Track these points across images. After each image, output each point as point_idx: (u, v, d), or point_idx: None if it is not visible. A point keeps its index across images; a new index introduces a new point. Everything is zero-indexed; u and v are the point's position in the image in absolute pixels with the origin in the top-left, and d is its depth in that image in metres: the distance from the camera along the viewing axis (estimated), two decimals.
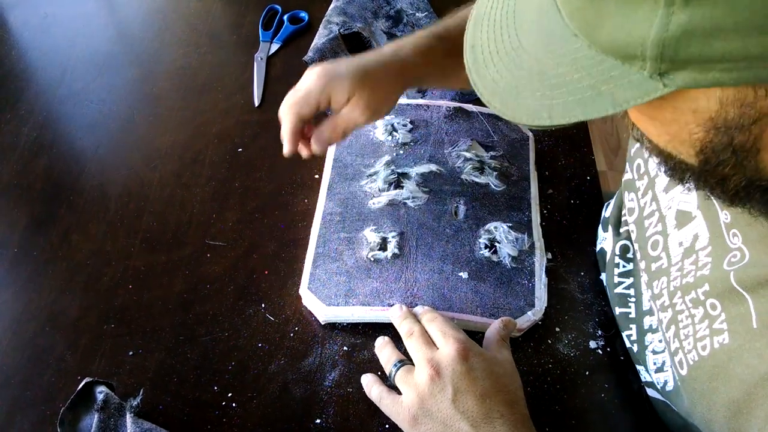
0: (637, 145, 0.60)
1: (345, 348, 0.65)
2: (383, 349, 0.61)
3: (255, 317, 0.67)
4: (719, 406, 0.47)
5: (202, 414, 0.61)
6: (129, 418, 0.57)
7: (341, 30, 0.90)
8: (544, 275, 0.68)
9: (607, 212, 0.72)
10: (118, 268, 0.71)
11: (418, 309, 0.63)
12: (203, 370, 0.64)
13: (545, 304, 0.66)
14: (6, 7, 1.00)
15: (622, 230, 0.67)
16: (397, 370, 0.58)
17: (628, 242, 0.66)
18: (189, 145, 0.82)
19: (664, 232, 0.56)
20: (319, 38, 0.90)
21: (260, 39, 0.94)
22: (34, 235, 0.74)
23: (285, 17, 0.96)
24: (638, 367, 0.63)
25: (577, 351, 0.65)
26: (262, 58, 0.92)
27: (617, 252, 0.67)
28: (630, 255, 0.66)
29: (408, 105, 0.82)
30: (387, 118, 0.79)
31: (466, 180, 0.74)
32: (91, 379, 0.59)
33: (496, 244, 0.69)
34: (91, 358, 0.64)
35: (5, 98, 0.88)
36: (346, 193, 0.74)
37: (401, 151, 0.77)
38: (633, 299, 0.64)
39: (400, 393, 0.57)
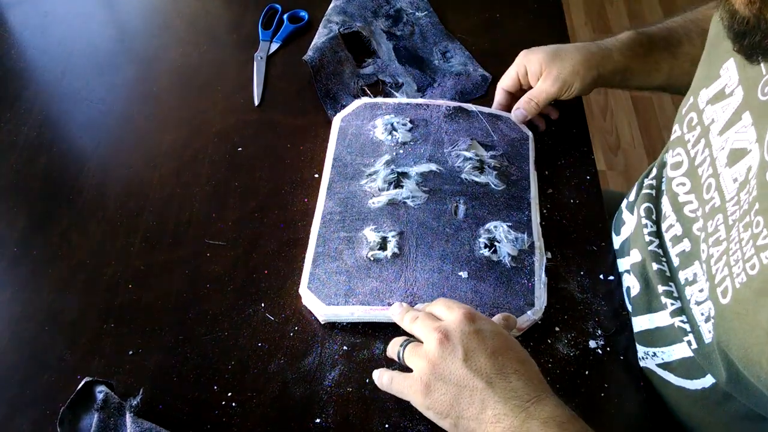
0: (690, 101, 0.63)
1: (345, 347, 0.65)
2: (390, 343, 0.61)
3: (255, 317, 0.67)
4: (764, 323, 0.47)
5: (201, 413, 0.61)
6: (129, 418, 0.57)
7: (341, 29, 0.90)
8: (543, 275, 0.68)
9: (631, 196, 0.74)
10: (117, 267, 0.71)
11: (419, 306, 0.63)
12: (203, 370, 0.64)
13: (545, 304, 0.66)
14: (6, 6, 1.00)
15: (644, 192, 0.70)
16: (405, 348, 0.57)
17: (650, 204, 0.68)
18: (189, 144, 0.82)
19: (715, 174, 0.57)
20: (319, 37, 0.90)
21: (260, 38, 0.94)
22: (34, 234, 0.74)
23: (285, 16, 0.96)
24: (660, 348, 0.63)
25: (576, 350, 0.65)
26: (261, 58, 0.92)
27: (642, 214, 0.68)
28: (654, 216, 0.67)
29: (408, 104, 0.81)
30: (386, 117, 0.79)
31: (466, 179, 0.74)
32: (90, 379, 0.59)
33: (496, 243, 0.69)
34: (90, 357, 0.64)
35: (4, 97, 0.88)
36: (346, 192, 0.73)
37: (401, 151, 0.76)
38: (664, 258, 0.64)
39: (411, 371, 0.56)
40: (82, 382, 0.59)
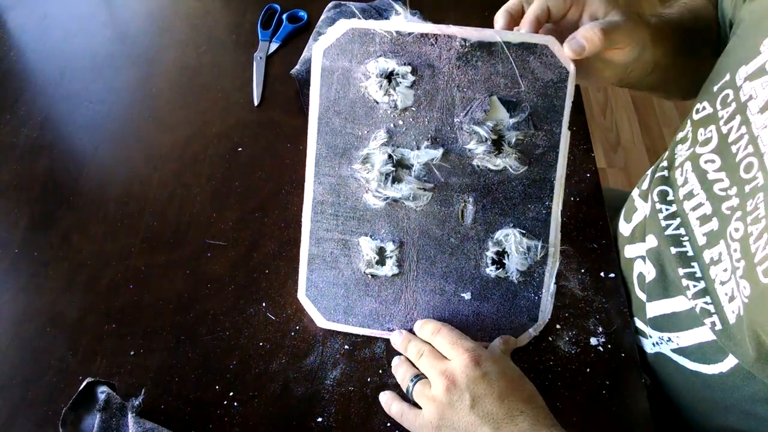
0: (726, 78, 0.60)
1: (346, 347, 0.65)
2: (399, 368, 0.62)
3: (256, 316, 0.67)
4: None
5: (203, 413, 0.61)
6: (131, 418, 0.57)
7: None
8: (552, 284, 0.64)
9: (644, 185, 0.73)
10: (118, 268, 0.71)
11: (418, 324, 0.63)
12: (204, 370, 0.64)
13: (549, 316, 0.64)
14: (4, 8, 1.00)
15: (657, 175, 0.68)
16: (414, 385, 0.59)
17: (666, 187, 0.67)
18: (189, 145, 0.82)
19: (758, 153, 0.55)
20: (308, 50, 0.90)
21: (259, 38, 0.94)
22: (34, 235, 0.74)
23: (284, 16, 0.96)
24: (676, 333, 0.63)
25: (578, 348, 0.65)
26: (261, 58, 0.92)
27: (656, 199, 0.67)
28: (670, 198, 0.66)
29: (410, 37, 0.60)
30: (381, 61, 0.60)
31: (479, 167, 0.62)
32: (92, 379, 0.59)
33: (506, 255, 0.63)
34: (92, 358, 0.64)
35: (4, 99, 0.88)
36: (336, 176, 0.63)
37: (400, 122, 0.62)
38: (686, 238, 0.63)
39: (419, 407, 0.58)
40: (84, 383, 0.59)
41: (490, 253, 0.63)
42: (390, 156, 0.62)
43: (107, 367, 0.64)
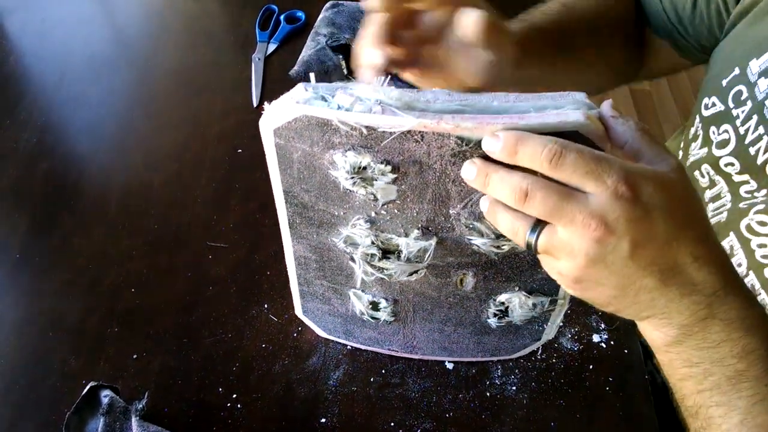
0: (735, 72, 0.55)
1: (348, 347, 0.65)
2: (498, 215, 0.42)
3: (258, 318, 0.67)
4: None
5: (207, 415, 0.61)
6: (134, 422, 0.57)
7: (329, 42, 0.90)
8: (560, 319, 0.57)
9: None
10: (119, 271, 0.71)
11: (497, 145, 0.39)
12: (207, 372, 0.64)
13: (551, 337, 0.61)
14: (4, 12, 1.00)
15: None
16: (537, 237, 0.40)
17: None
18: (188, 147, 0.82)
19: None
20: (306, 50, 0.89)
21: (257, 39, 0.94)
22: (36, 239, 0.74)
23: (282, 17, 0.96)
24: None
25: (580, 345, 0.65)
26: (259, 59, 0.92)
27: None
28: None
29: (385, 133, 0.41)
30: (349, 154, 0.44)
31: (479, 248, 0.50)
32: (95, 383, 0.59)
33: (509, 312, 0.56)
34: (94, 361, 0.64)
35: (4, 103, 0.88)
36: (316, 241, 0.54)
37: (383, 212, 0.49)
38: None
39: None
40: (87, 387, 0.59)
41: (493, 310, 0.57)
42: (373, 242, 0.52)
43: (110, 370, 0.64)
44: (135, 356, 0.65)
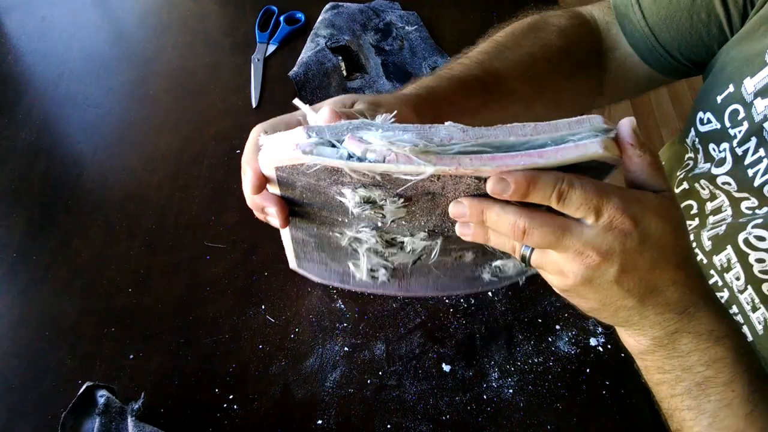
0: (729, 89, 0.54)
1: (346, 348, 0.65)
2: (491, 234, 0.43)
3: (255, 319, 0.67)
4: None
5: (203, 416, 0.61)
6: (130, 422, 0.57)
7: (328, 43, 0.89)
8: None
9: None
10: (117, 271, 0.71)
11: (493, 184, 0.39)
12: (204, 373, 0.64)
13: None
14: (3, 11, 1.00)
15: (679, 190, 0.65)
16: (531, 253, 0.43)
17: (691, 201, 0.64)
18: (187, 147, 0.82)
19: None
20: (306, 52, 0.89)
21: (257, 40, 0.94)
22: (33, 239, 0.74)
23: (281, 18, 0.96)
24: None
25: (578, 348, 0.65)
26: (258, 60, 0.92)
27: None
28: (694, 212, 0.64)
29: (399, 178, 0.40)
30: (360, 191, 0.44)
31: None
32: (92, 383, 0.59)
33: (503, 270, 0.57)
34: (91, 362, 0.64)
35: (2, 102, 0.88)
36: (316, 233, 0.54)
37: (393, 225, 0.49)
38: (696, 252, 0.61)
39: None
40: (84, 387, 0.58)
41: (489, 271, 0.58)
42: (378, 241, 0.52)
43: (107, 370, 0.64)
44: (131, 356, 0.65)
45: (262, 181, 0.45)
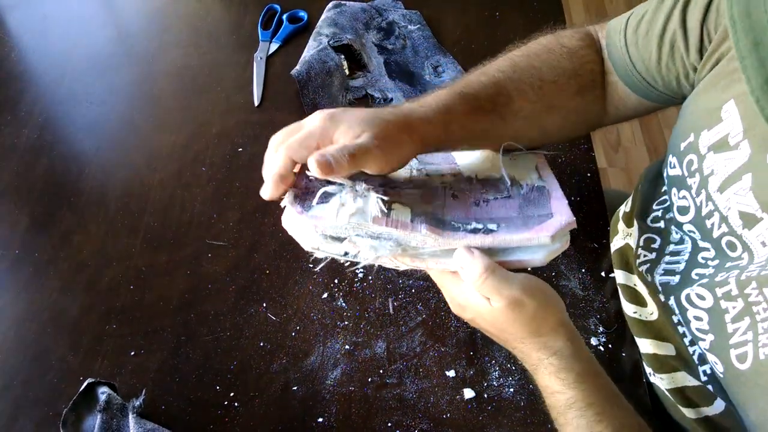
0: (690, 138, 0.56)
1: (347, 347, 0.65)
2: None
3: (256, 317, 0.67)
4: None
5: (204, 414, 0.61)
6: (131, 419, 0.57)
7: (330, 42, 0.89)
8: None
9: (628, 206, 0.70)
10: (119, 268, 0.71)
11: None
12: (205, 370, 0.64)
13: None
14: (5, 9, 1.00)
15: (652, 224, 0.65)
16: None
17: (655, 236, 0.65)
18: (189, 146, 0.82)
19: (734, 233, 0.53)
20: (308, 50, 0.89)
21: (259, 39, 0.94)
22: (35, 236, 0.74)
23: (284, 17, 0.96)
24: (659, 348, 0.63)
25: None
26: (261, 58, 0.92)
27: (641, 244, 0.66)
28: (655, 246, 0.64)
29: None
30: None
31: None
32: (93, 380, 0.59)
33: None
34: (92, 358, 0.64)
35: (5, 100, 0.88)
36: None
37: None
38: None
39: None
40: (85, 383, 0.59)
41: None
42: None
43: (108, 367, 0.64)
44: (133, 353, 0.65)
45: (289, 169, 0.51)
